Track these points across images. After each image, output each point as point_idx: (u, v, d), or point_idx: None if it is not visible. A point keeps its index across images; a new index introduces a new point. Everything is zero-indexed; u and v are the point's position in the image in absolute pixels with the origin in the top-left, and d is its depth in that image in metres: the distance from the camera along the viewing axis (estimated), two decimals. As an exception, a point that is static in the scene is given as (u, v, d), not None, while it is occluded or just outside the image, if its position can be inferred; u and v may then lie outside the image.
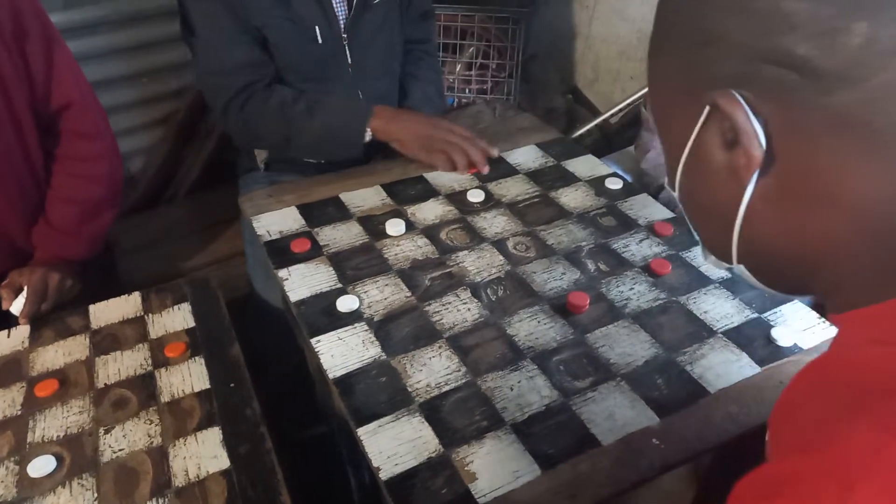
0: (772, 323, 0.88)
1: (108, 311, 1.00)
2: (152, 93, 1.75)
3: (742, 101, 0.35)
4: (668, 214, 1.10)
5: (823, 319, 0.89)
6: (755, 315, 0.89)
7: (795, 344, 0.84)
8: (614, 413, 0.76)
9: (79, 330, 0.97)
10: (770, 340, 0.85)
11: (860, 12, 0.31)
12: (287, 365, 1.11)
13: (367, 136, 1.21)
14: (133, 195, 1.72)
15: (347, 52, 1.28)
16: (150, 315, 0.99)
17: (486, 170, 1.21)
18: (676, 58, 0.40)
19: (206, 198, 1.71)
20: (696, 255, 1.00)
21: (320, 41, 1.23)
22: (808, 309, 0.91)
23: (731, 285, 0.94)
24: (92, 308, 1.00)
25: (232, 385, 0.87)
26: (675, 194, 0.46)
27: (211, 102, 1.27)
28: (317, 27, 1.22)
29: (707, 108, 0.38)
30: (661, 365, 0.82)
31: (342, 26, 1.26)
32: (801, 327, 0.87)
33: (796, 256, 0.39)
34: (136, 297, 1.03)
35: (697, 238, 0.48)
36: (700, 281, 0.95)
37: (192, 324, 0.97)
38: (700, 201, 0.44)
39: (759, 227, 0.39)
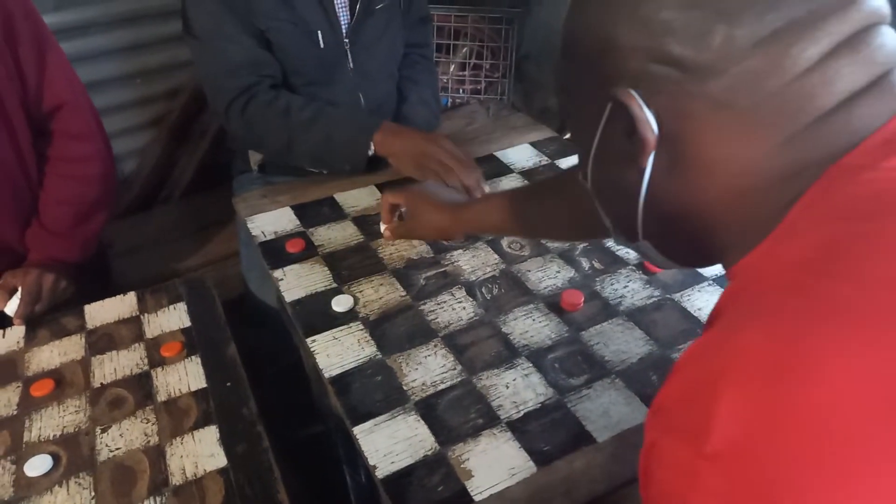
0: (764, 320, 0.88)
1: (103, 311, 1.00)
2: (145, 94, 1.75)
3: (636, 96, 0.41)
4: (662, 213, 1.11)
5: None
6: (748, 312, 0.90)
7: (788, 340, 0.85)
8: (609, 410, 0.76)
9: (74, 330, 0.97)
10: (763, 337, 0.86)
11: (721, 16, 0.38)
12: (283, 364, 1.11)
13: (371, 151, 1.19)
14: (127, 196, 1.72)
15: (349, 56, 1.29)
16: (146, 315, 0.99)
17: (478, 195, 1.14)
18: (582, 62, 0.46)
19: (200, 199, 1.71)
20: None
21: (322, 45, 1.23)
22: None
23: (725, 282, 0.95)
24: (87, 308, 1.00)
25: (228, 384, 0.87)
26: (588, 185, 0.52)
27: (213, 104, 1.26)
28: (319, 31, 1.22)
29: (609, 105, 0.44)
30: (656, 362, 0.82)
31: (344, 31, 1.26)
32: (793, 324, 0.87)
33: (692, 224, 0.45)
34: (131, 297, 1.03)
35: (608, 224, 0.54)
36: (694, 278, 0.96)
37: (187, 323, 0.97)
38: (608, 187, 0.50)
39: (659, 201, 0.45)
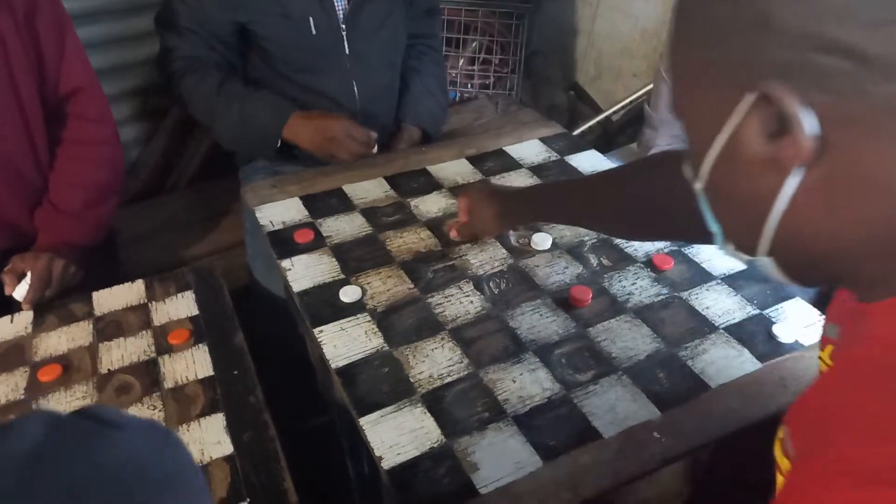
0: (773, 319, 0.88)
1: (111, 298, 1.00)
2: (152, 82, 1.75)
3: (792, 92, 0.34)
4: (671, 211, 1.10)
5: (824, 316, 0.89)
6: (757, 311, 0.90)
7: (796, 340, 0.85)
8: (616, 406, 0.76)
9: (82, 316, 0.97)
10: (771, 336, 0.86)
11: None
12: (288, 354, 1.11)
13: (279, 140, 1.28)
14: (134, 184, 1.72)
15: (346, 43, 1.28)
16: (154, 302, 0.99)
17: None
18: (709, 49, 0.39)
19: (207, 188, 1.71)
20: (699, 251, 1.01)
21: (314, 32, 1.24)
22: (809, 306, 0.91)
23: (733, 281, 0.95)
24: (95, 295, 1.01)
25: (236, 372, 0.88)
26: (697, 185, 0.45)
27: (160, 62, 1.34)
28: (311, 18, 1.23)
29: (749, 99, 0.37)
30: (663, 359, 0.82)
31: (341, 17, 1.26)
32: (802, 324, 0.87)
33: (837, 247, 0.39)
34: (139, 284, 1.03)
35: (716, 229, 0.47)
36: (702, 277, 0.96)
37: (195, 311, 0.97)
38: (730, 193, 0.42)
39: (800, 219, 0.38)
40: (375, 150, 1.27)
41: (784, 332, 0.85)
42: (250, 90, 1.29)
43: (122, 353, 0.90)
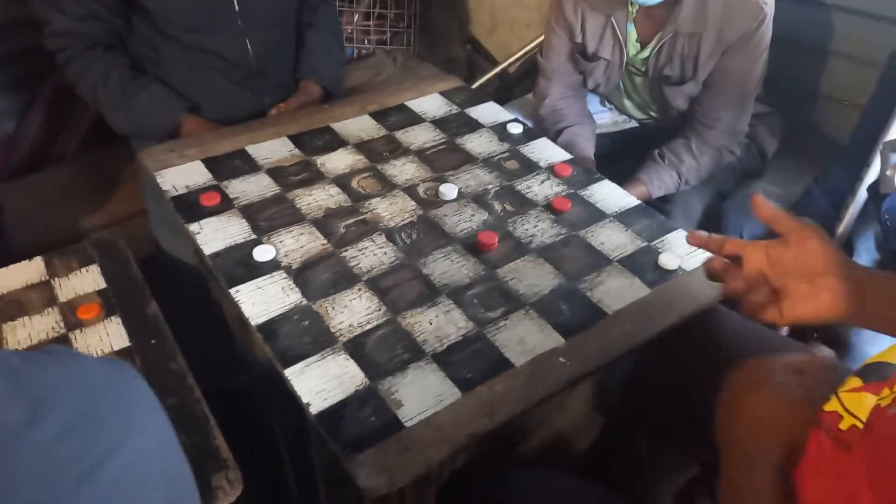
0: (659, 250, 0.97)
1: (7, 278, 0.96)
2: (23, 45, 1.62)
3: None
4: (567, 156, 1.17)
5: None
6: (645, 244, 0.98)
7: (680, 267, 0.94)
8: (525, 338, 0.83)
9: (-23, 298, 0.93)
10: (658, 265, 0.94)
11: None
12: (203, 320, 1.11)
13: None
14: (14, 158, 1.61)
15: (235, 0, 1.25)
16: (57, 279, 0.96)
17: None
18: None
19: (96, 157, 1.62)
20: (593, 193, 1.08)
21: None
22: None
23: (624, 218, 1.03)
24: (-12, 275, 0.96)
25: (153, 341, 0.87)
26: None
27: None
28: None
29: None
30: (565, 293, 0.89)
31: None
32: (683, 252, 0.97)
33: None
34: (38, 261, 0.99)
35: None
36: (597, 216, 1.04)
37: (103, 285, 0.95)
38: None
39: None
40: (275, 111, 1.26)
41: (669, 260, 0.95)
42: (139, 84, 1.26)
43: (28, 332, 0.87)
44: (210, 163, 1.09)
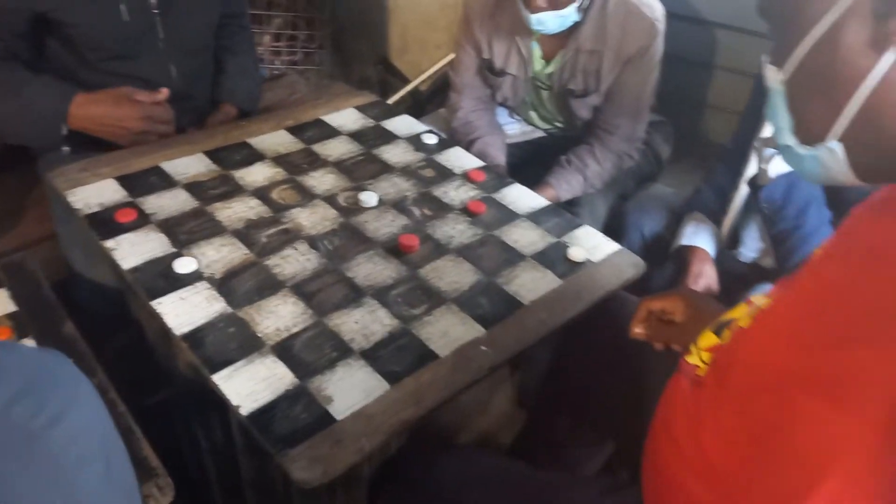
0: (568, 245, 1.04)
1: None
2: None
3: None
4: (480, 163, 1.23)
5: (608, 238, 1.07)
6: (555, 240, 1.05)
7: (587, 259, 1.01)
8: (448, 331, 0.87)
9: None
10: (567, 258, 1.01)
11: None
12: (121, 340, 1.09)
13: (65, 130, 1.19)
14: None
15: (160, 27, 1.25)
16: (-39, 304, 0.92)
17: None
18: None
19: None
20: (506, 196, 1.14)
21: (127, 18, 1.19)
22: (595, 231, 1.08)
23: (535, 218, 1.10)
24: None
25: (72, 361, 0.85)
26: (779, 76, 0.49)
27: None
28: (122, 4, 1.18)
29: None
30: (483, 287, 0.94)
31: (153, 1, 1.22)
32: (590, 245, 1.04)
33: None
34: (-60, 287, 0.94)
35: (784, 123, 0.51)
36: (510, 217, 1.10)
37: (13, 308, 0.92)
38: (818, 79, 0.46)
39: (886, 98, 0.42)
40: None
41: (577, 253, 1.02)
42: (28, 75, 1.19)
43: (-69, 357, 0.83)
44: (124, 180, 1.07)
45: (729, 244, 1.30)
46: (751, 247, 1.28)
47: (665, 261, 1.31)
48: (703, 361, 0.63)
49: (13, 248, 1.32)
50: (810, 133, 0.49)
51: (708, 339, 0.65)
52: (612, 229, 1.42)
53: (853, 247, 0.50)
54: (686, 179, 1.57)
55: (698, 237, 1.26)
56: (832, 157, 0.48)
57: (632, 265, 1.02)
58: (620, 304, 0.97)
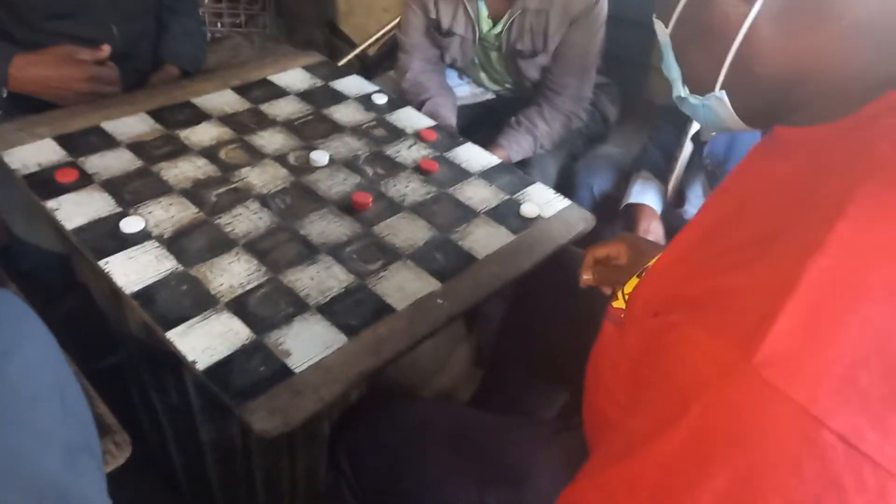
0: (520, 201, 1.06)
1: None
2: None
3: None
4: (431, 123, 1.23)
5: (559, 195, 1.09)
6: (508, 197, 1.07)
7: (539, 215, 1.03)
8: (404, 286, 0.87)
9: None
10: (520, 214, 1.03)
11: None
12: (68, 304, 1.05)
13: (4, 93, 1.13)
14: None
15: None
16: None
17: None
18: None
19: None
20: (458, 154, 1.15)
21: None
22: (546, 188, 1.10)
23: (488, 175, 1.11)
24: None
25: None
26: (666, 30, 0.52)
27: None
28: None
29: None
30: (438, 243, 0.95)
31: None
32: (542, 201, 1.06)
33: (783, 74, 0.45)
34: None
35: (676, 75, 0.54)
36: (462, 175, 1.10)
37: (-53, 273, 0.88)
38: (696, 30, 0.49)
39: (758, 46, 0.45)
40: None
41: (529, 209, 1.03)
42: None
43: None
44: (63, 140, 1.03)
45: (675, 202, 1.34)
46: (695, 203, 1.32)
47: (614, 218, 1.35)
48: (626, 304, 0.65)
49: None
50: (699, 83, 0.51)
51: (632, 283, 0.68)
52: (563, 189, 1.45)
53: (741, 181, 0.53)
54: (633, 139, 1.61)
55: (645, 195, 1.30)
56: (721, 105, 0.50)
57: (582, 219, 1.04)
58: (570, 258, 1.00)
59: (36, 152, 1.00)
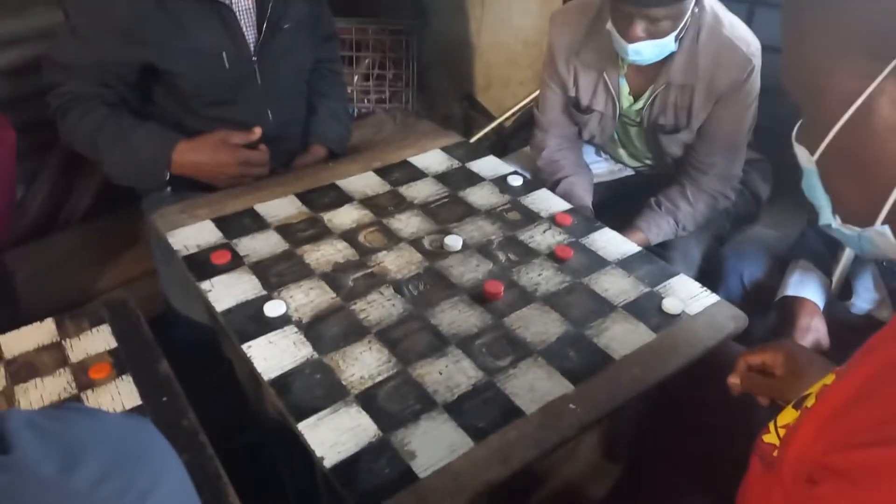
0: (662, 295, 0.99)
1: (20, 340, 0.97)
2: (36, 117, 1.67)
3: None
4: (567, 206, 1.20)
5: (706, 289, 1.01)
6: (648, 289, 1.00)
7: (683, 311, 0.96)
8: (534, 385, 0.83)
9: (-10, 361, 0.94)
10: (661, 310, 0.96)
11: None
12: (212, 378, 1.11)
13: (167, 175, 1.27)
14: (23, 223, 1.64)
15: (258, 74, 1.31)
16: (68, 339, 0.97)
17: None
18: (845, 27, 0.43)
19: (101, 223, 1.66)
20: (595, 241, 1.10)
21: (228, 67, 1.25)
22: (692, 280, 1.03)
23: (626, 265, 1.05)
24: (2, 338, 0.97)
25: (165, 399, 0.88)
26: (812, 157, 0.48)
27: (48, 94, 1.29)
28: (224, 53, 1.24)
29: (892, 65, 0.40)
30: (572, 339, 0.91)
31: (252, 49, 1.28)
32: (686, 297, 0.99)
33: None
34: (49, 323, 1.00)
35: (824, 202, 0.49)
36: (599, 263, 1.06)
37: (113, 344, 0.96)
38: (859, 159, 0.45)
39: None
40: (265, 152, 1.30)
41: (672, 305, 0.96)
42: (134, 123, 1.26)
43: (40, 393, 0.87)
44: (220, 222, 1.11)
45: (840, 294, 1.20)
46: (865, 297, 1.17)
47: (767, 310, 1.22)
48: (779, 440, 0.57)
49: (114, 285, 1.40)
50: (855, 217, 0.47)
51: (788, 415, 0.59)
52: (708, 274, 1.35)
53: None
54: (787, 221, 1.48)
55: (805, 287, 1.17)
56: (882, 238, 0.45)
57: (731, 318, 0.95)
58: (725, 355, 0.91)
59: (195, 234, 1.08)
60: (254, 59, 1.29)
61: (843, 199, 0.49)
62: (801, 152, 0.50)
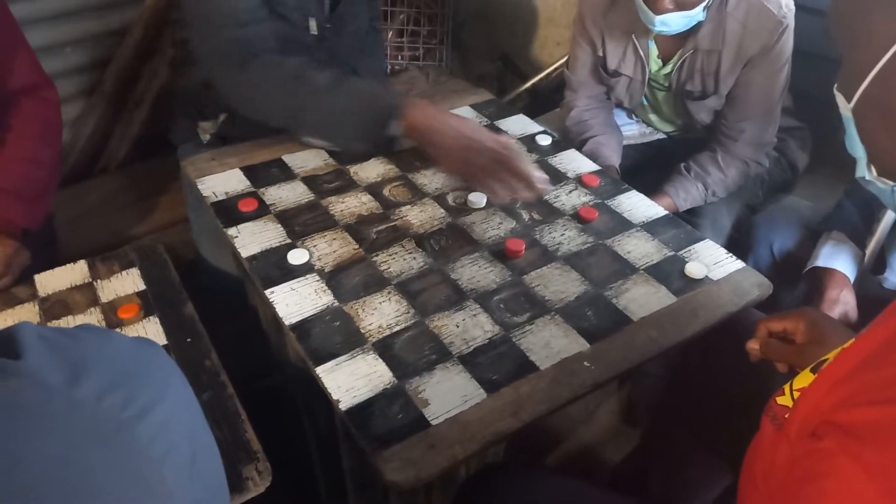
0: (686, 259, 0.98)
1: (54, 280, 1.01)
2: (76, 63, 1.70)
3: None
4: (594, 167, 1.19)
5: (731, 255, 0.99)
6: (672, 253, 0.99)
7: (707, 276, 0.95)
8: (550, 342, 0.84)
9: (26, 298, 0.98)
10: (684, 274, 0.95)
11: None
12: (238, 324, 1.14)
13: (396, 130, 1.07)
14: (63, 168, 1.69)
15: (329, 38, 1.30)
16: (99, 281, 1.00)
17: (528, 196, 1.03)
18: None
19: (138, 169, 1.69)
20: (621, 203, 1.09)
21: (315, 32, 1.23)
22: (717, 246, 1.01)
23: (651, 228, 1.04)
24: (37, 277, 1.01)
25: (189, 340, 0.91)
26: (849, 105, 0.47)
27: (203, 52, 1.14)
28: (311, 20, 1.22)
29: None
30: (591, 299, 0.91)
31: (326, 15, 1.27)
32: (711, 262, 0.97)
33: None
34: (81, 264, 1.04)
35: (861, 154, 0.49)
36: (623, 226, 1.05)
37: (142, 287, 1.00)
38: (889, 111, 0.44)
39: None
40: None
41: (696, 269, 0.95)
42: (345, 74, 1.12)
43: (73, 327, 0.91)
44: (248, 170, 1.13)
45: (874, 269, 1.17)
46: (899, 272, 1.14)
47: (797, 281, 1.20)
48: (793, 402, 0.57)
49: (147, 231, 1.43)
50: (888, 168, 0.46)
51: (804, 378, 0.59)
52: (738, 242, 1.33)
53: None
54: (824, 191, 1.43)
55: (837, 259, 1.14)
56: None
57: (756, 285, 0.94)
58: (746, 322, 0.90)
59: (224, 181, 1.10)
60: (327, 25, 1.27)
61: (877, 151, 0.47)
62: (840, 101, 0.49)
